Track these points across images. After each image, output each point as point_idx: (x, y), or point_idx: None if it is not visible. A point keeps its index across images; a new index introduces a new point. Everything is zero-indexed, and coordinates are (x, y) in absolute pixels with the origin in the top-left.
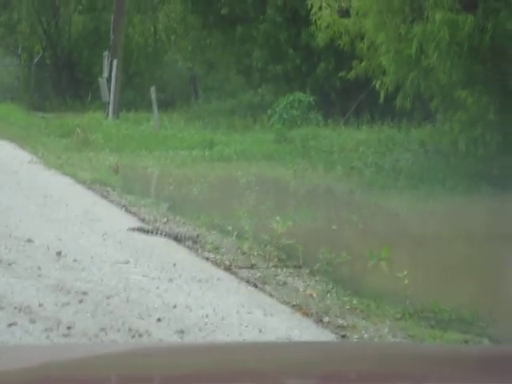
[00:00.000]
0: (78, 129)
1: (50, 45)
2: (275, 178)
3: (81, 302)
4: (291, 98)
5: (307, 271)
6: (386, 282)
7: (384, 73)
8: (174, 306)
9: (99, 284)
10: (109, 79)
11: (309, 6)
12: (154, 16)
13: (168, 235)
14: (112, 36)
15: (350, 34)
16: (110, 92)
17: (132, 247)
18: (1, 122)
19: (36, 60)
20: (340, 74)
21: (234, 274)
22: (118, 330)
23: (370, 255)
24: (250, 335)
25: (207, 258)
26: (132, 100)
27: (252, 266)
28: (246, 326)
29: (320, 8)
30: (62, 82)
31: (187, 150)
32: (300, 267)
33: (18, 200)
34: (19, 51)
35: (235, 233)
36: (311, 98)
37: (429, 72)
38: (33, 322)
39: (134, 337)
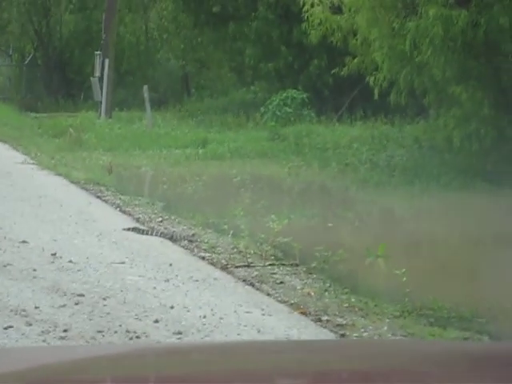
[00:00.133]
0: (70, 129)
1: (41, 45)
2: (269, 175)
3: (77, 303)
4: (284, 95)
5: (304, 269)
6: (383, 279)
7: (377, 69)
8: (172, 307)
9: (95, 285)
10: (101, 78)
11: (301, 3)
12: (146, 15)
13: (163, 235)
14: (103, 35)
15: (343, 30)
16: (102, 91)
17: (127, 247)
18: None
19: (27, 60)
20: (333, 71)
21: (231, 273)
22: (116, 332)
23: (367, 252)
24: (248, 335)
25: (203, 258)
26: (124, 99)
27: (249, 265)
28: (245, 326)
29: (312, 5)
30: (53, 82)
31: (181, 148)
32: (297, 265)
33: (12, 201)
34: (10, 51)
35: (231, 232)
36: (304, 95)
37: (422, 68)
38: (29, 324)
39: (131, 339)
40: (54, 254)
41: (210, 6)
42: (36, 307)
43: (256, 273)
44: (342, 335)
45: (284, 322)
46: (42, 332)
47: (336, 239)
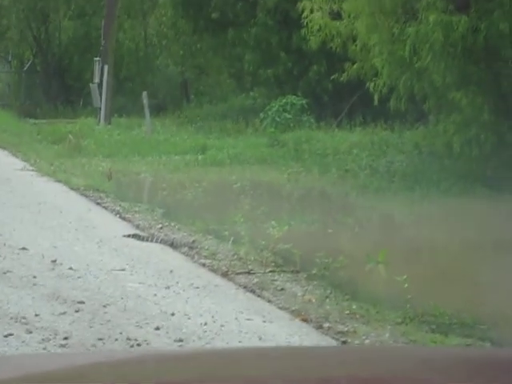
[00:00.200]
0: (69, 135)
1: (40, 51)
2: (269, 181)
3: (77, 311)
4: (284, 101)
5: (305, 276)
6: (384, 285)
7: (377, 75)
8: (172, 314)
9: (96, 292)
10: (100, 85)
11: (300, 9)
12: (145, 21)
13: (164, 242)
14: (103, 41)
15: (342, 36)
16: (101, 97)
17: (128, 254)
18: None
19: (26, 66)
20: (332, 77)
21: (232, 280)
22: (116, 340)
23: (367, 259)
24: (249, 342)
25: (204, 264)
26: (123, 105)
27: (249, 272)
28: (246, 333)
29: (311, 11)
30: (52, 88)
31: (180, 154)
32: (297, 272)
33: (12, 208)
34: (9, 58)
35: (231, 238)
36: (304, 101)
37: (422, 73)
38: (29, 332)
39: (132, 346)
40: (54, 261)
41: (210, 12)
42: (36, 315)
43: (257, 279)
44: (344, 342)
45: (285, 329)
46: (43, 340)
47: (336, 245)
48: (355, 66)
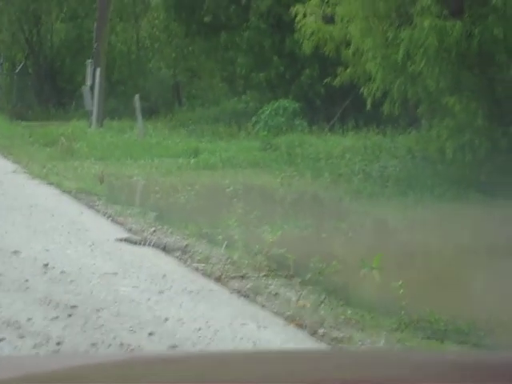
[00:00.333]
0: (62, 138)
1: (32, 53)
2: (262, 185)
3: (70, 315)
4: (276, 104)
5: (299, 281)
6: (379, 291)
7: (370, 79)
8: (166, 319)
9: (88, 296)
10: (92, 87)
11: (293, 13)
12: (137, 24)
13: (156, 246)
14: (95, 44)
15: (335, 40)
16: (93, 100)
17: (120, 258)
18: None
19: (18, 69)
20: (325, 81)
21: (225, 284)
22: (109, 345)
23: (361, 264)
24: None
25: (197, 269)
26: (115, 108)
27: (243, 277)
28: (241, 339)
29: (304, 15)
30: (44, 91)
31: (172, 158)
32: (291, 277)
33: (3, 210)
34: (1, 60)
35: (225, 242)
36: (296, 105)
37: (416, 78)
38: (21, 337)
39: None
40: (47, 265)
41: (202, 16)
42: (28, 319)
43: (250, 284)
44: None
45: (280, 335)
46: (35, 345)
47: (330, 250)
48: (348, 71)
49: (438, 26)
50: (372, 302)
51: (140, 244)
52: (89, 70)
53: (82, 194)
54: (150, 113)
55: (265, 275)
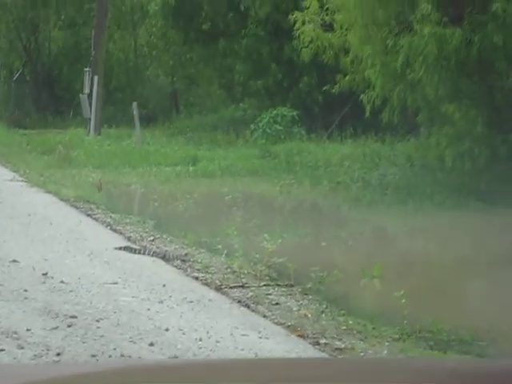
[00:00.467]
0: (59, 145)
1: (29, 61)
2: (261, 193)
3: (70, 325)
4: (274, 112)
5: (299, 290)
6: (380, 300)
7: (369, 86)
8: (167, 329)
9: (88, 306)
10: (90, 95)
11: (292, 21)
12: (135, 32)
13: (156, 254)
14: (93, 52)
15: (334, 48)
16: (91, 108)
17: (120, 267)
18: None
19: (16, 76)
20: (324, 88)
21: (225, 294)
22: (110, 356)
23: (362, 273)
24: None
25: (197, 278)
26: (113, 116)
27: (243, 286)
28: (242, 350)
29: (303, 22)
30: (42, 99)
31: (171, 165)
32: (292, 286)
33: (1, 219)
34: None
35: (225, 251)
36: (294, 113)
37: (415, 86)
38: (21, 347)
39: None
40: (45, 274)
41: (200, 23)
42: (28, 329)
43: (251, 293)
44: None
45: (282, 346)
46: (35, 356)
47: (330, 259)
48: (347, 78)
49: (437, 34)
50: (373, 312)
51: (139, 253)
52: (86, 78)
53: (80, 203)
54: (147, 120)
55: (265, 284)
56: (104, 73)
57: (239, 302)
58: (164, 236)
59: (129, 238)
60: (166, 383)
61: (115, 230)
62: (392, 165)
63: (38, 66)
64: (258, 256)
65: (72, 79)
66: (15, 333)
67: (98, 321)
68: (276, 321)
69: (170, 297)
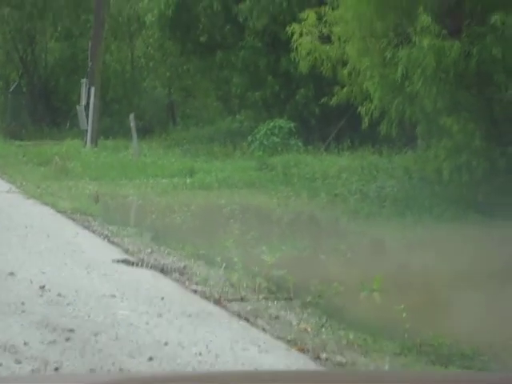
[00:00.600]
0: (56, 157)
1: (26, 72)
2: (258, 206)
3: (68, 339)
4: (271, 124)
5: (299, 303)
6: (380, 314)
7: (366, 98)
8: (166, 343)
9: (86, 320)
10: (86, 107)
11: (289, 33)
12: (132, 43)
13: (154, 267)
14: (90, 63)
15: (332, 59)
16: (87, 119)
17: (118, 280)
18: None
19: (12, 88)
20: (322, 100)
21: (225, 307)
22: (109, 371)
23: (361, 286)
24: None
25: (195, 291)
26: (110, 127)
27: (242, 299)
28: (242, 364)
29: (301, 34)
30: (38, 110)
31: (168, 177)
32: (291, 299)
33: None
34: None
35: (224, 264)
36: (291, 125)
37: (413, 98)
38: (18, 362)
39: None
40: (43, 287)
41: (197, 35)
42: (25, 343)
43: (250, 307)
44: None
45: (282, 360)
46: (33, 370)
47: (329, 272)
48: (344, 90)
49: (436, 46)
50: (374, 325)
51: (137, 265)
52: (83, 89)
53: (77, 215)
54: (144, 132)
55: (264, 298)
56: (101, 84)
57: (238, 315)
58: (162, 248)
59: (126, 251)
60: None
61: (113, 242)
62: (390, 177)
63: (35, 77)
64: (256, 269)
65: (69, 90)
66: (13, 347)
67: (96, 334)
68: (276, 335)
69: (169, 310)
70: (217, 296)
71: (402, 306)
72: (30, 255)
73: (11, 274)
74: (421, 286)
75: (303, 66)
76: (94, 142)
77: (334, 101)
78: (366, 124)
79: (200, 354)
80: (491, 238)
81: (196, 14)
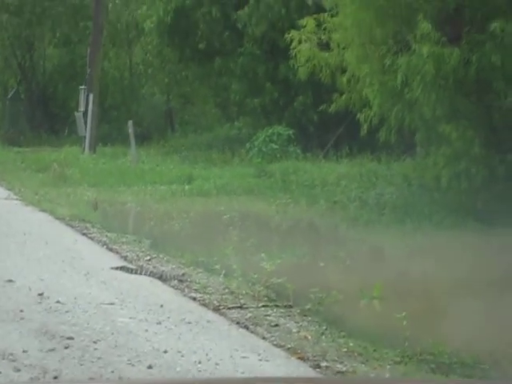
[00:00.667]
0: (54, 163)
1: (24, 79)
2: (257, 213)
3: (67, 347)
4: (270, 131)
5: (298, 311)
6: (380, 321)
7: (365, 106)
8: (165, 351)
9: (85, 327)
10: (85, 113)
11: (288, 40)
12: (130, 50)
13: (153, 274)
14: (88, 69)
15: (331, 66)
16: (86, 126)
17: (117, 287)
18: None
19: (10, 94)
20: (321, 107)
21: (224, 314)
22: (108, 379)
23: (361, 294)
24: None
25: (195, 299)
26: (108, 134)
27: (241, 307)
28: (242, 373)
29: (300, 41)
30: (36, 117)
31: (166, 184)
32: (291, 307)
33: None
34: None
35: (223, 271)
36: (290, 132)
37: (413, 105)
38: (17, 370)
39: None
40: (41, 294)
41: (196, 42)
42: (24, 351)
43: (249, 314)
44: None
45: (282, 368)
46: (31, 378)
47: (329, 280)
48: (343, 97)
49: (435, 53)
50: (374, 333)
51: (136, 273)
52: (82, 96)
53: (76, 221)
54: (142, 139)
55: (264, 305)
56: (99, 91)
57: (238, 323)
58: (161, 255)
59: (125, 258)
60: None
61: (111, 249)
62: (389, 184)
63: (33, 83)
64: (256, 276)
65: (67, 97)
66: (11, 354)
67: (95, 342)
68: (276, 343)
69: (168, 318)
70: (216, 303)
71: (403, 314)
72: (28, 262)
73: (10, 281)
74: (421, 293)
75: (302, 73)
76: (93, 148)
77: (332, 108)
78: (365, 131)
79: (199, 362)
80: (490, 246)
81: (195, 21)
